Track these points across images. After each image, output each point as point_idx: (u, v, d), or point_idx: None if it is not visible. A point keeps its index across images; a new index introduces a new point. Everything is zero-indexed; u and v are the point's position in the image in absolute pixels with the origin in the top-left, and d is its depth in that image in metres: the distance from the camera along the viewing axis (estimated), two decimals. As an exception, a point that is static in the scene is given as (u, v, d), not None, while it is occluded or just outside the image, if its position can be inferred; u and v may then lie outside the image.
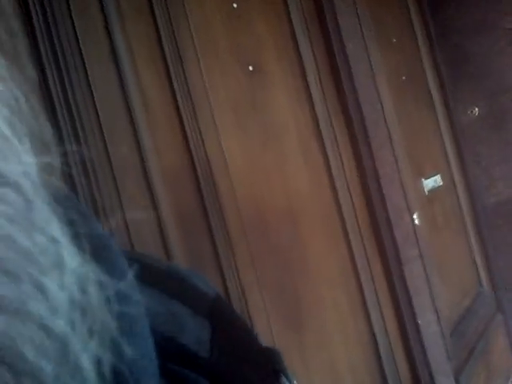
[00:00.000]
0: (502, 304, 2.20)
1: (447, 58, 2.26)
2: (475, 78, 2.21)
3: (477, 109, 2.22)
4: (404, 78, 1.95)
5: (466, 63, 2.23)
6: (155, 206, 0.89)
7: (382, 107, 1.67)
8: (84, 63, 0.82)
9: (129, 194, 0.85)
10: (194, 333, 0.38)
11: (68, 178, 0.73)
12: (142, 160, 0.89)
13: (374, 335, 1.41)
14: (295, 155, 1.31)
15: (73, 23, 0.81)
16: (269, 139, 1.22)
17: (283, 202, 1.23)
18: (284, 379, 0.39)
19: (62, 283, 0.18)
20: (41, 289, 0.17)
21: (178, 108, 0.99)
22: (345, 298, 1.35)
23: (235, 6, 1.22)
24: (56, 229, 0.19)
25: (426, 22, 2.22)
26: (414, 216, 1.64)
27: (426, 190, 1.85)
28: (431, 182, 1.89)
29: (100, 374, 0.18)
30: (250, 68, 1.22)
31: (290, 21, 1.40)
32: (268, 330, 1.06)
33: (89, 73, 0.82)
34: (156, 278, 0.42)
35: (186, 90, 1.01)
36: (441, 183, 1.96)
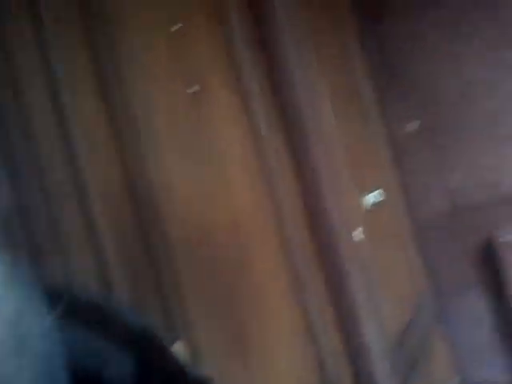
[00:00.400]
0: (442, 314, 2.26)
1: (383, 75, 2.31)
2: (410, 91, 2.28)
3: (414, 122, 2.28)
4: (343, 91, 1.98)
5: (401, 76, 2.29)
6: (93, 231, 0.83)
7: (323, 124, 1.67)
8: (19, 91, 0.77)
9: (65, 221, 0.79)
10: (119, 367, 0.39)
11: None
12: (80, 186, 0.83)
13: (319, 353, 1.39)
14: (238, 174, 1.30)
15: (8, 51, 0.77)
16: (211, 158, 1.20)
17: (227, 222, 1.21)
18: None
19: None
20: None
21: (118, 131, 0.94)
22: (290, 317, 1.34)
23: (176, 28, 1.19)
24: None
25: (361, 36, 2.26)
26: (357, 231, 1.65)
27: (367, 204, 1.87)
28: (372, 197, 1.91)
29: None
30: (192, 90, 1.19)
31: (231, 43, 1.38)
32: (213, 357, 1.02)
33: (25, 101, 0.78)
34: (84, 313, 0.42)
35: (127, 112, 0.97)
36: (381, 197, 1.98)
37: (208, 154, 1.18)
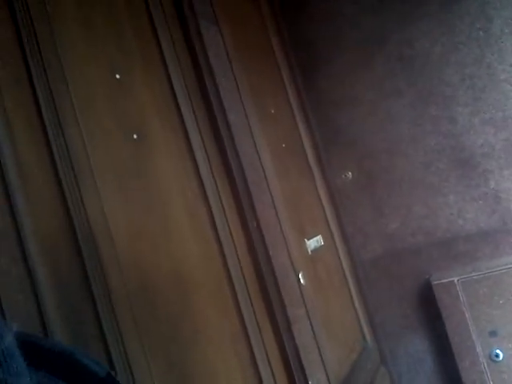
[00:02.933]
0: (384, 356, 2.31)
1: (321, 127, 2.46)
2: (345, 145, 2.43)
3: (350, 173, 2.43)
4: (284, 145, 2.08)
5: (337, 132, 2.45)
6: (30, 273, 0.83)
7: (265, 173, 1.75)
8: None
9: (2, 266, 0.79)
10: None
11: None
12: (18, 231, 0.84)
13: (266, 400, 1.39)
14: (182, 220, 1.31)
15: None
16: (153, 204, 1.22)
17: (170, 268, 1.21)
18: None
19: None
20: None
21: (57, 174, 0.96)
22: (237, 364, 1.34)
23: (118, 76, 1.24)
24: None
25: (300, 95, 2.42)
26: (299, 275, 1.70)
27: (309, 250, 1.93)
28: (313, 243, 1.99)
29: None
30: (135, 136, 1.22)
31: (173, 93, 1.44)
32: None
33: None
34: (43, 358, 0.42)
35: (67, 156, 0.98)
36: (322, 243, 2.07)
37: (150, 200, 1.20)
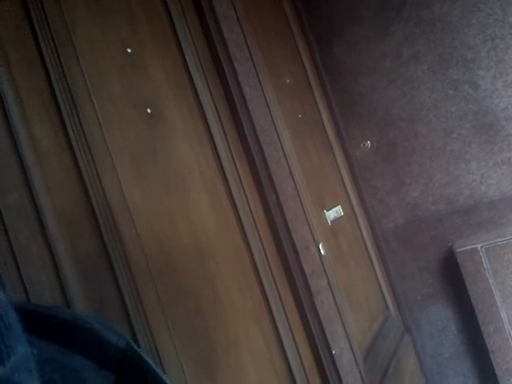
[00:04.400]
0: (408, 325, 2.31)
1: (338, 97, 2.42)
2: (364, 114, 2.39)
3: (369, 142, 2.39)
4: (300, 116, 2.06)
5: (355, 101, 2.41)
6: (53, 255, 0.84)
7: (282, 145, 1.74)
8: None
9: (22, 243, 0.80)
10: None
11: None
12: (37, 209, 0.84)
13: (290, 369, 1.41)
14: (200, 197, 1.31)
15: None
16: (171, 182, 1.21)
17: (190, 243, 1.21)
18: None
19: None
20: None
21: (74, 156, 0.96)
22: (259, 335, 1.35)
23: (129, 51, 1.22)
24: None
25: (316, 64, 2.37)
26: (320, 246, 1.70)
27: (329, 220, 1.93)
28: (333, 213, 1.98)
29: None
30: (149, 110, 1.22)
31: (186, 67, 1.42)
32: (181, 376, 1.02)
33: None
34: (57, 331, 0.41)
35: (83, 137, 0.98)
36: (342, 214, 2.05)
37: (167, 176, 1.20)
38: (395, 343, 2.06)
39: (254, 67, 1.73)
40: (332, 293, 1.68)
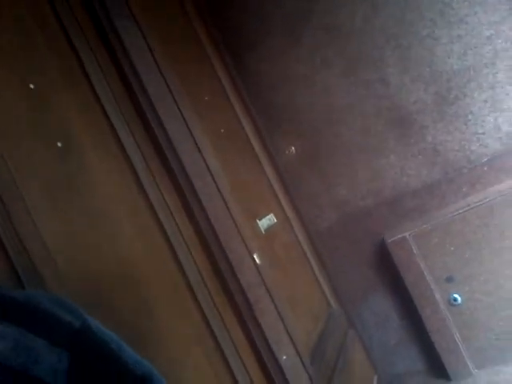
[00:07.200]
0: (352, 320, 2.39)
1: (259, 108, 2.48)
2: (286, 122, 2.46)
3: (293, 148, 2.46)
4: (222, 130, 2.09)
5: (276, 110, 2.47)
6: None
7: (206, 162, 1.75)
8: None
9: None
10: (50, 364, 0.38)
11: None
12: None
13: (234, 378, 1.42)
14: (127, 226, 1.30)
15: None
16: (95, 215, 1.20)
17: (120, 275, 1.20)
18: None
19: None
20: None
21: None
22: (202, 356, 1.35)
23: (32, 86, 1.20)
24: None
25: (233, 79, 2.41)
26: (255, 256, 1.72)
27: (262, 229, 1.96)
28: (266, 222, 2.02)
29: None
30: (59, 144, 1.20)
31: (96, 95, 1.41)
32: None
33: None
34: (12, 311, 0.41)
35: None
36: (275, 221, 2.10)
37: (89, 209, 1.19)
38: (340, 340, 2.12)
39: (170, 90, 1.73)
40: (272, 300, 1.71)
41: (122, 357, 0.48)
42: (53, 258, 1.01)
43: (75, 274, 1.06)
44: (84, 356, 0.41)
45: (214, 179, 1.74)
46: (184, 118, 1.74)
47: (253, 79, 2.47)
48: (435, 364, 2.31)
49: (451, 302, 2.23)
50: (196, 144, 1.74)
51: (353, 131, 2.37)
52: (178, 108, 1.73)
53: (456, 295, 2.22)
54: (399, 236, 2.26)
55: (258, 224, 1.95)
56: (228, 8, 2.48)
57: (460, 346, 2.21)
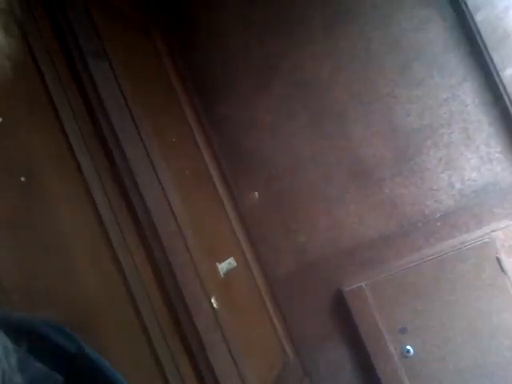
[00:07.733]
0: (306, 368, 2.38)
1: (225, 152, 2.52)
2: (251, 167, 2.51)
3: (256, 193, 2.50)
4: (187, 172, 2.11)
5: (242, 155, 2.52)
6: None
7: (169, 201, 1.76)
8: None
9: None
10: None
11: None
12: None
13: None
14: (82, 261, 1.28)
15: None
16: (51, 248, 1.19)
17: (73, 314, 1.18)
18: None
19: None
20: None
21: None
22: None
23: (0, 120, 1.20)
24: None
25: (201, 122, 2.47)
26: (212, 300, 1.72)
27: (221, 273, 1.96)
28: (226, 265, 2.02)
29: None
30: (22, 179, 1.19)
31: (63, 131, 1.42)
32: None
33: None
34: (14, 334, 0.41)
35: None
36: (235, 264, 2.10)
37: (46, 244, 1.17)
38: (295, 388, 2.11)
39: (137, 128, 1.76)
40: (227, 345, 1.69)
41: (118, 382, 0.49)
42: (7, 292, 0.99)
43: (27, 310, 1.03)
44: (79, 381, 0.42)
45: (175, 217, 1.75)
46: (149, 156, 1.76)
47: (221, 123, 2.53)
48: (387, 416, 2.31)
49: (404, 354, 2.26)
50: (160, 182, 1.75)
51: (315, 180, 2.44)
52: (144, 146, 1.75)
53: (409, 347, 2.26)
54: (356, 285, 2.30)
55: (217, 267, 1.95)
56: (200, 57, 2.56)
57: (411, 398, 2.23)
